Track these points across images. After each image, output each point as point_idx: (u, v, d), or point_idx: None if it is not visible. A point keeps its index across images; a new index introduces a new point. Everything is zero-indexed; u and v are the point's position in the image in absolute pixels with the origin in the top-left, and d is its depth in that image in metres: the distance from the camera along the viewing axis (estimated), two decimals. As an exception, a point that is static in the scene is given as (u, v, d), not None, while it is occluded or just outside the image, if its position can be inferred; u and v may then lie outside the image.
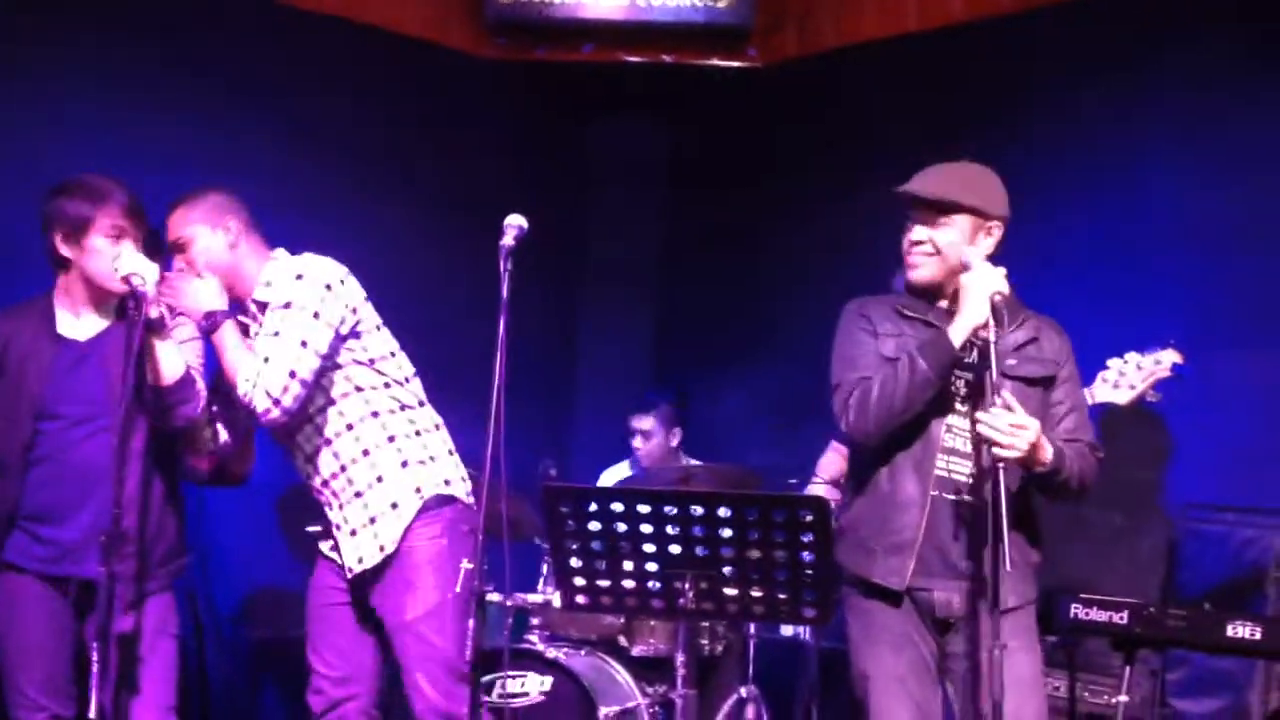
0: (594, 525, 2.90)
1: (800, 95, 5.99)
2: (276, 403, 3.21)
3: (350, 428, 3.36)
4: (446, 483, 3.40)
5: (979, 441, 2.97)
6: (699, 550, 2.88)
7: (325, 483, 3.40)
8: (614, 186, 6.59)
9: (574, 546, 2.94)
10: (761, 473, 4.93)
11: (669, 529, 2.88)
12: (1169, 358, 3.84)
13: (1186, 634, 3.66)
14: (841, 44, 5.78)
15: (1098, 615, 3.75)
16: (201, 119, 5.19)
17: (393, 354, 3.47)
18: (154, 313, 3.19)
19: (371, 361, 3.39)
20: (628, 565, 2.95)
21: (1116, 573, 4.43)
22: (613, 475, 5.55)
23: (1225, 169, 4.60)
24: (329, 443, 3.36)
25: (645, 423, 5.35)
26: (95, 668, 3.00)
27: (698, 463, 5.19)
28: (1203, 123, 4.67)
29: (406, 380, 3.47)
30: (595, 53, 5.99)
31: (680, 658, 3.25)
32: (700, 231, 6.42)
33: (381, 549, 3.32)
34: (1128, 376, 3.85)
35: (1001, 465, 2.87)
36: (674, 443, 5.40)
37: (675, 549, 2.90)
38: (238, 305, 3.43)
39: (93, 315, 3.41)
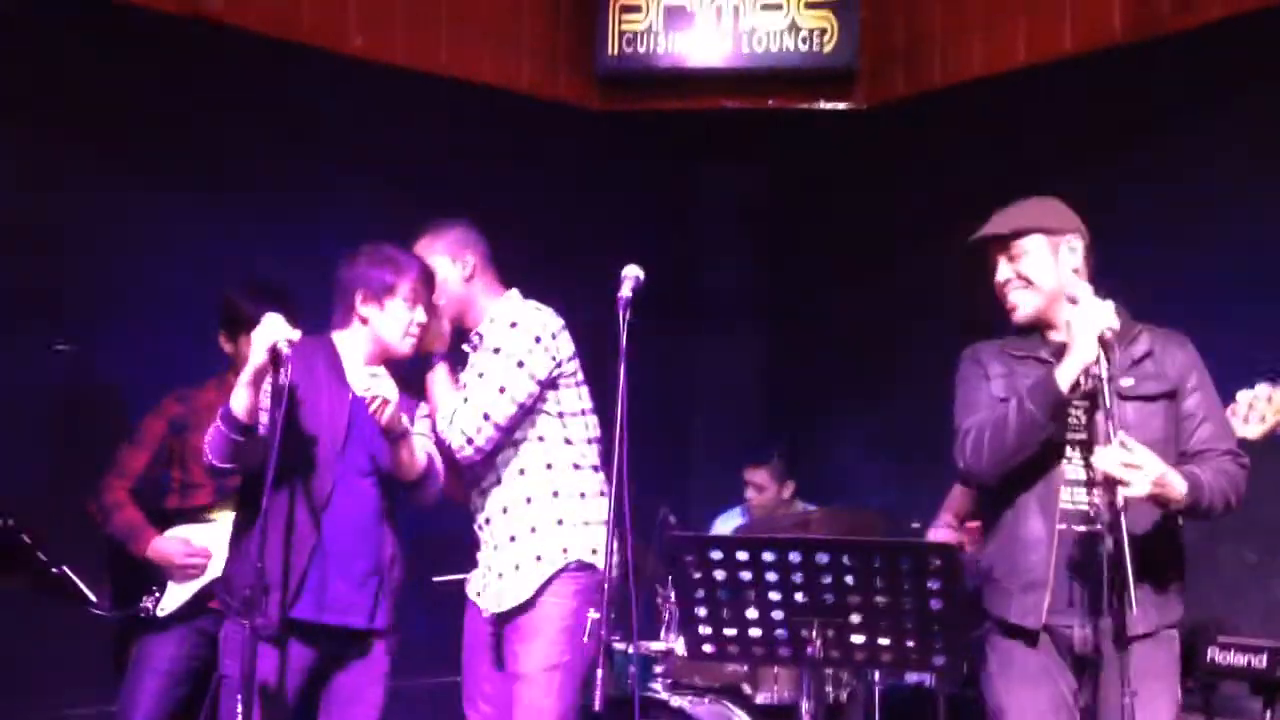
0: (719, 574, 2.90)
1: (907, 135, 5.98)
2: (470, 442, 3.39)
3: (523, 473, 3.47)
4: (594, 551, 3.44)
5: (1104, 480, 2.91)
6: (825, 597, 2.87)
7: (488, 520, 3.51)
8: (723, 231, 6.65)
9: (699, 595, 2.94)
10: (881, 516, 4.88)
11: (794, 576, 2.87)
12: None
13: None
14: (949, 82, 5.76)
15: (1236, 659, 3.66)
16: (324, 188, 5.34)
17: (584, 412, 3.56)
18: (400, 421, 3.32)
19: (561, 415, 3.50)
20: (752, 613, 2.94)
21: (1250, 613, 4.31)
22: (727, 522, 5.54)
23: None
24: (500, 484, 3.49)
25: (759, 476, 5.34)
26: None
27: (814, 507, 5.16)
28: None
29: (589, 442, 3.56)
30: (700, 100, 6.05)
31: (805, 705, 3.23)
32: (811, 273, 6.42)
33: (518, 597, 3.38)
34: (1257, 409, 3.72)
35: (1123, 505, 2.79)
36: (786, 494, 5.37)
37: (800, 596, 2.88)
38: (465, 335, 3.62)
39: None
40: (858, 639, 2.90)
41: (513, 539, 3.43)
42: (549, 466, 3.46)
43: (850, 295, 6.18)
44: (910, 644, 2.89)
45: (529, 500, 3.43)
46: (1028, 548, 3.04)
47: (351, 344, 3.49)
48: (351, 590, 3.40)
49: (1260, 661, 3.61)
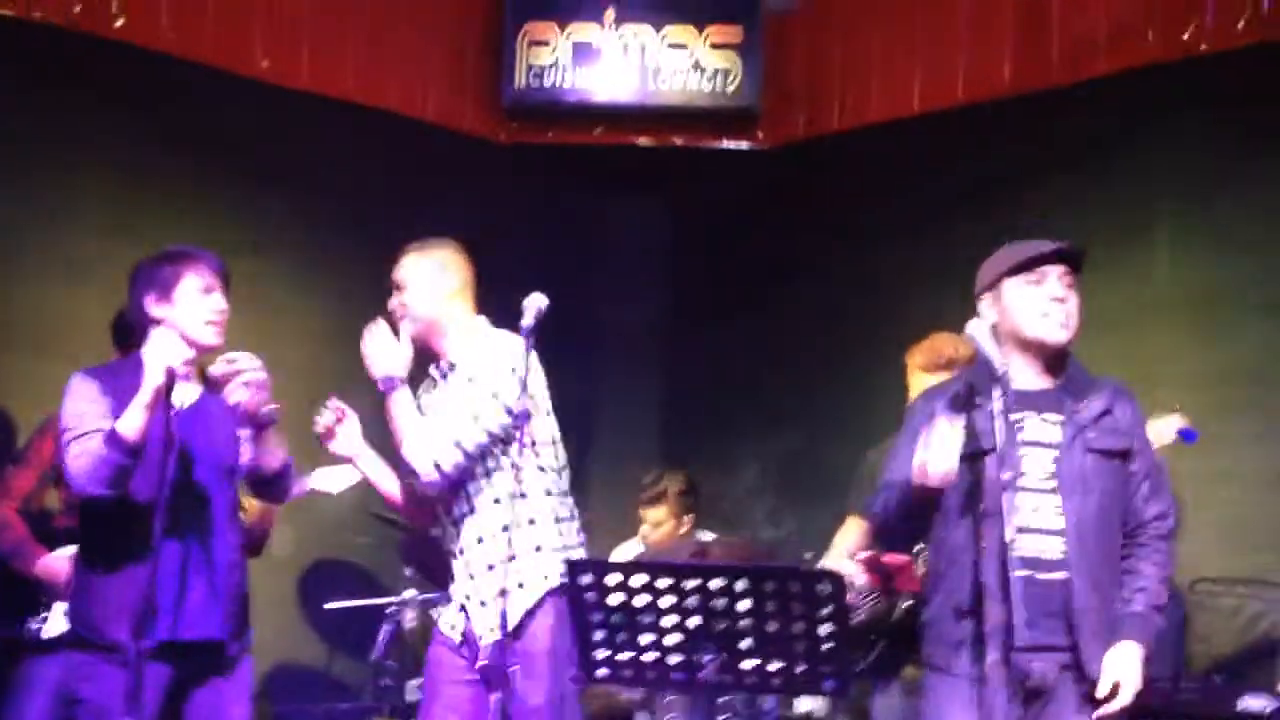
0: (615, 598, 2.94)
1: (806, 175, 6.12)
2: (438, 468, 3.34)
3: (497, 502, 3.42)
4: None
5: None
6: (718, 623, 2.91)
7: (463, 550, 3.46)
8: (624, 263, 6.70)
9: (595, 619, 2.97)
10: (775, 546, 4.96)
11: (688, 602, 2.91)
12: (1174, 423, 3.84)
13: (1200, 708, 3.67)
14: (847, 126, 5.91)
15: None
16: (223, 202, 5.32)
17: (554, 441, 3.54)
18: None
19: (534, 443, 3.44)
20: (647, 638, 2.97)
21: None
22: (625, 552, 5.56)
23: (1229, 240, 4.68)
24: (474, 512, 3.44)
25: (656, 514, 5.36)
26: None
27: (711, 536, 5.21)
28: (1199, 199, 4.77)
29: (560, 470, 3.54)
30: (606, 135, 6.13)
31: (697, 733, 3.27)
32: (709, 306, 6.52)
33: (504, 624, 3.24)
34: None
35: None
36: (683, 530, 5.41)
37: (694, 621, 2.93)
38: (433, 358, 3.55)
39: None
40: (749, 664, 2.94)
41: (490, 567, 3.38)
42: (523, 495, 3.40)
43: (748, 329, 6.28)
44: (800, 669, 2.93)
45: (505, 529, 3.33)
46: (981, 596, 3.00)
47: (159, 352, 3.23)
48: (204, 601, 3.28)
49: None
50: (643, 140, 6.14)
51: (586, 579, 2.93)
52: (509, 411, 3.34)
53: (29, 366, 4.70)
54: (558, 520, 3.48)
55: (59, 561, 3.86)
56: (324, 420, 3.50)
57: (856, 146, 5.90)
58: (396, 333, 3.48)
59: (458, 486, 3.43)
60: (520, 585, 3.36)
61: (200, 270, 3.35)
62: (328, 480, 4.45)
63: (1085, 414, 3.07)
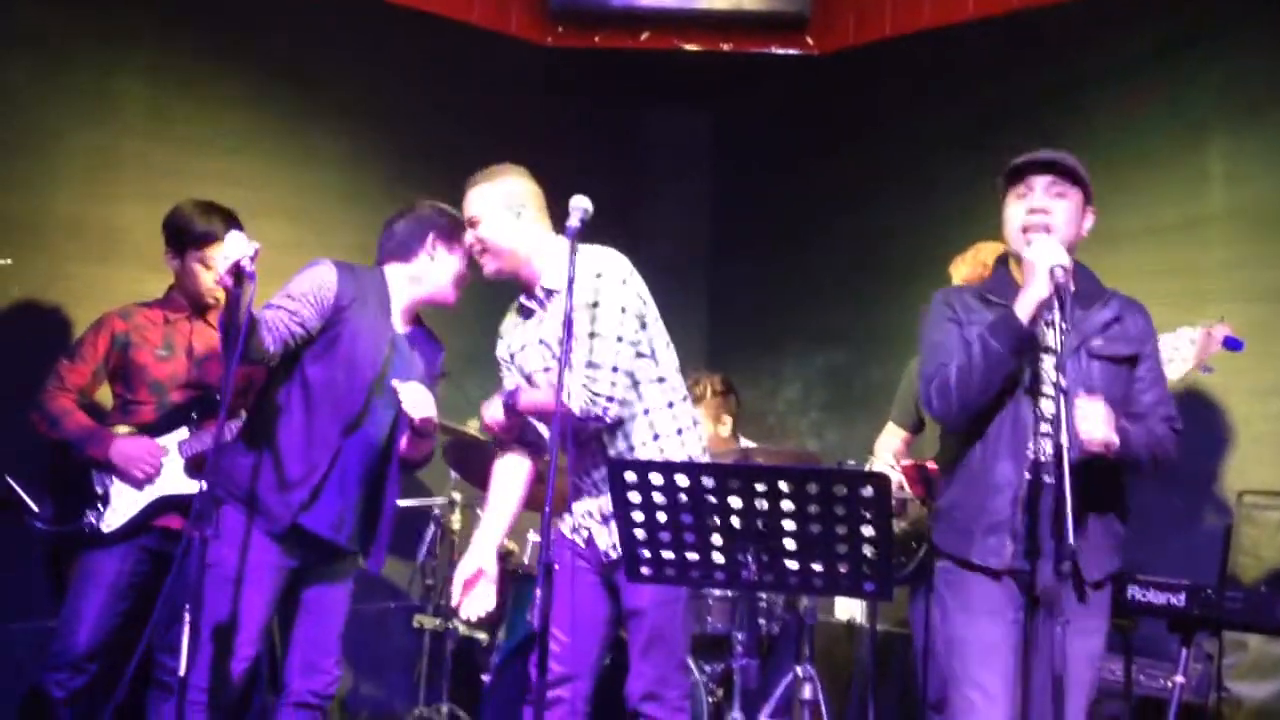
0: (658, 498, 2.95)
1: (856, 83, 6.03)
2: (610, 399, 3.29)
3: (622, 422, 3.38)
4: None
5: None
6: (761, 524, 2.93)
7: (588, 472, 3.44)
8: (668, 173, 6.65)
9: (638, 519, 2.99)
10: (817, 457, 4.96)
11: (731, 502, 2.92)
12: (1220, 331, 3.81)
13: (1243, 616, 3.66)
14: (899, 32, 5.81)
15: (1155, 597, 3.76)
16: (266, 107, 5.31)
17: (668, 345, 3.49)
18: None
19: (653, 353, 3.42)
20: (690, 537, 2.99)
21: (1173, 557, 4.44)
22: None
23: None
24: (598, 435, 3.39)
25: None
26: None
27: (754, 444, 5.23)
28: (1260, 104, 4.66)
29: (675, 378, 3.49)
30: (652, 40, 6.05)
31: (739, 636, 3.29)
32: (753, 218, 6.47)
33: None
34: (1181, 350, 3.84)
35: (1068, 449, 2.86)
36: (724, 433, 5.42)
37: (737, 522, 2.94)
38: (524, 286, 3.52)
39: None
40: (792, 564, 2.96)
41: None
42: (646, 412, 3.39)
43: (792, 240, 6.24)
44: (842, 569, 2.95)
45: (631, 449, 3.37)
46: (995, 491, 3.11)
47: (400, 281, 3.71)
48: (348, 512, 3.60)
49: (1179, 600, 3.72)
50: (690, 46, 6.05)
51: (630, 478, 2.96)
52: (640, 320, 3.33)
53: (73, 270, 4.74)
54: (679, 432, 3.45)
55: (135, 444, 3.90)
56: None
57: (907, 53, 5.79)
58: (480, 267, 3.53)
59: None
60: None
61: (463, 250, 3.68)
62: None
63: (1091, 322, 3.08)
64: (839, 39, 6.01)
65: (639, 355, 3.37)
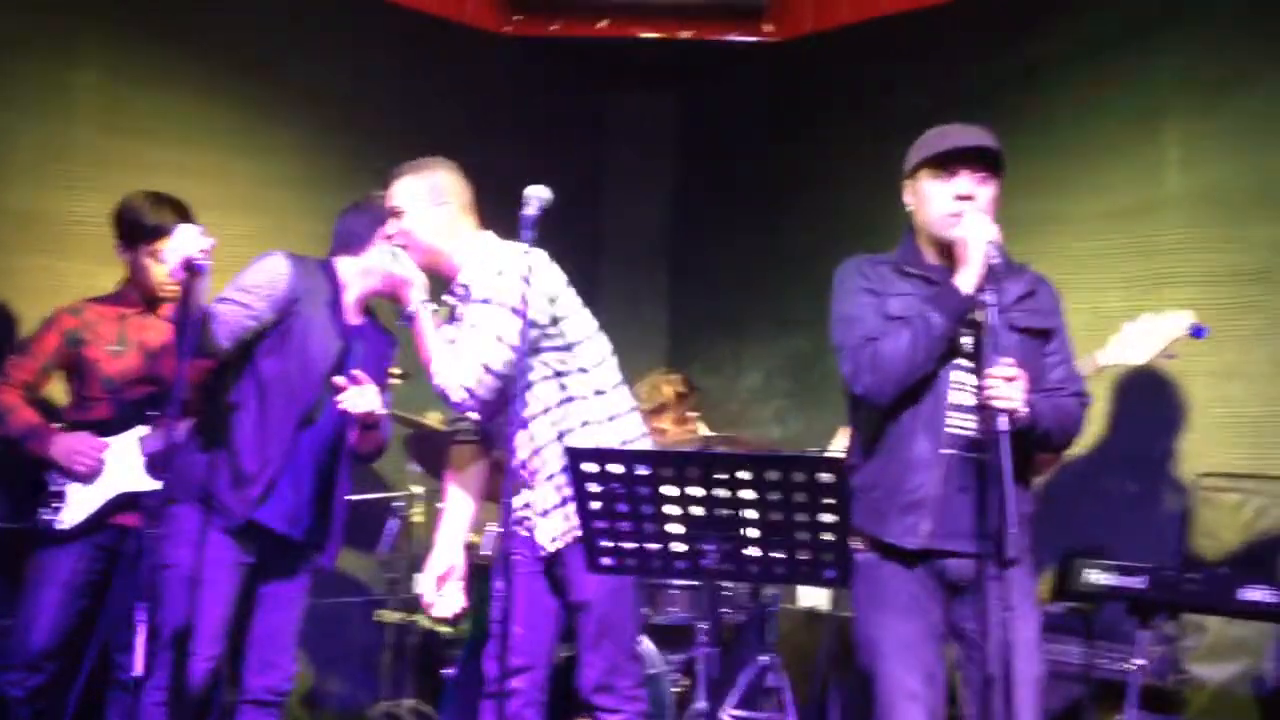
0: (618, 487, 2.93)
1: (814, 69, 6.02)
2: (470, 394, 3.28)
3: (546, 411, 3.38)
4: None
5: (986, 398, 2.95)
6: (721, 512, 2.91)
7: (523, 464, 3.42)
8: (628, 161, 6.63)
9: (598, 508, 2.97)
10: (779, 444, 4.96)
11: (692, 490, 2.91)
12: (1185, 318, 3.83)
13: (1201, 598, 3.67)
14: (857, 19, 5.81)
15: (1114, 580, 3.77)
16: (221, 97, 5.25)
17: (594, 334, 3.49)
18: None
19: (570, 346, 3.41)
20: (650, 527, 2.98)
21: (1131, 540, 4.46)
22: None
23: (1238, 134, 4.61)
24: (525, 425, 3.38)
25: (660, 424, 5.34)
26: None
27: (714, 434, 5.22)
28: (1215, 88, 4.68)
29: (605, 362, 3.49)
30: (610, 28, 6.02)
31: (702, 625, 3.28)
32: (714, 205, 6.46)
33: (573, 530, 3.30)
34: (1146, 336, 3.85)
35: (1007, 428, 2.85)
36: (703, 431, 5.39)
37: (698, 511, 2.93)
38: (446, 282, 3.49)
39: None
40: (752, 553, 2.95)
41: (550, 477, 3.37)
42: (570, 400, 3.39)
43: (753, 226, 6.23)
44: (802, 557, 2.94)
45: (560, 436, 3.36)
46: (912, 468, 3.07)
47: (351, 274, 3.70)
48: (303, 506, 3.59)
49: (1138, 583, 3.73)
50: (648, 34, 6.03)
51: (589, 467, 2.93)
52: (531, 323, 3.28)
53: (23, 263, 4.67)
54: (611, 418, 3.45)
55: (75, 439, 3.85)
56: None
57: (866, 39, 5.79)
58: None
59: (497, 405, 3.35)
60: None
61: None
62: None
63: (1006, 296, 3.08)
64: (797, 25, 6.00)
65: (554, 349, 3.38)
